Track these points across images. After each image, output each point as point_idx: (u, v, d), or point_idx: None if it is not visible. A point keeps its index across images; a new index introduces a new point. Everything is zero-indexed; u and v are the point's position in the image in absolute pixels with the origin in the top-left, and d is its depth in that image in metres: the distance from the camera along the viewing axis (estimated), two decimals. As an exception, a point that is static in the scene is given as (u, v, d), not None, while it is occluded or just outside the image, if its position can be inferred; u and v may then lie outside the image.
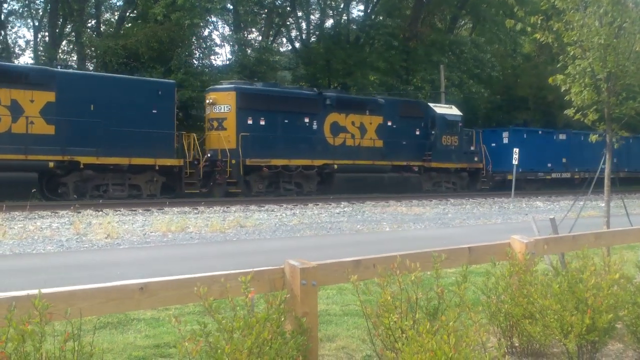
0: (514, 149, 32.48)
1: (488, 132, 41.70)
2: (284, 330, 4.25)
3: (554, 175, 42.23)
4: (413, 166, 34.90)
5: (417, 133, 35.46)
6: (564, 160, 42.26)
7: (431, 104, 37.19)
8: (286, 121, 30.60)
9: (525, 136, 40.89)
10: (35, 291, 3.56)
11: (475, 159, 38.33)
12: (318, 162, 31.42)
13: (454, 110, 37.55)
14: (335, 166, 31.77)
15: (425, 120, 35.85)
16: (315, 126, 31.66)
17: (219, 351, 3.87)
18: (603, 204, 10.19)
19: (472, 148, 38.29)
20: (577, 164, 42.00)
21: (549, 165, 41.90)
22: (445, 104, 39.53)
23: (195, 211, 22.86)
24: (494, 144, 40.05)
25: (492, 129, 43.54)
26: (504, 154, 38.07)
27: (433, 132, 35.68)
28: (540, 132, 43.06)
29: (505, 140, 40.35)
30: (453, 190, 36.68)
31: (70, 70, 30.11)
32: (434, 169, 35.77)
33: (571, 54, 9.59)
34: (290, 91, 32.40)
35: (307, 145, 31.16)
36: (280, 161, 29.98)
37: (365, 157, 33.01)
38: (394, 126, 34.39)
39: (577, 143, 41.91)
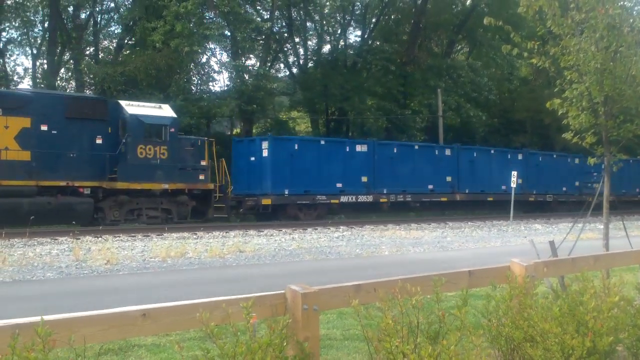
0: (513, 172, 32.14)
1: (247, 141, 33.49)
2: (286, 356, 4.25)
3: (344, 199, 32.28)
4: (80, 187, 24.86)
5: (99, 142, 25.55)
6: (364, 179, 33.02)
7: (124, 102, 27.27)
8: None
9: (296, 147, 31.48)
10: (37, 318, 3.58)
11: (202, 177, 28.21)
12: None
13: (163, 111, 27.53)
14: None
15: (114, 124, 26.09)
16: None
17: (222, 377, 3.87)
18: (602, 226, 10.22)
19: (203, 163, 28.37)
20: (387, 184, 33.65)
21: (339, 185, 32.30)
22: (156, 106, 28.32)
23: (194, 236, 22.84)
24: (253, 158, 31.17)
25: (250, 138, 35.26)
26: (263, 171, 30.69)
27: (124, 141, 25.84)
28: (322, 142, 33.43)
29: (265, 154, 30.87)
30: (165, 221, 26.62)
31: None
32: (122, 191, 25.72)
33: (568, 78, 9.66)
34: None
35: None
36: None
37: None
38: (54, 131, 24.44)
39: (385, 157, 33.92)
